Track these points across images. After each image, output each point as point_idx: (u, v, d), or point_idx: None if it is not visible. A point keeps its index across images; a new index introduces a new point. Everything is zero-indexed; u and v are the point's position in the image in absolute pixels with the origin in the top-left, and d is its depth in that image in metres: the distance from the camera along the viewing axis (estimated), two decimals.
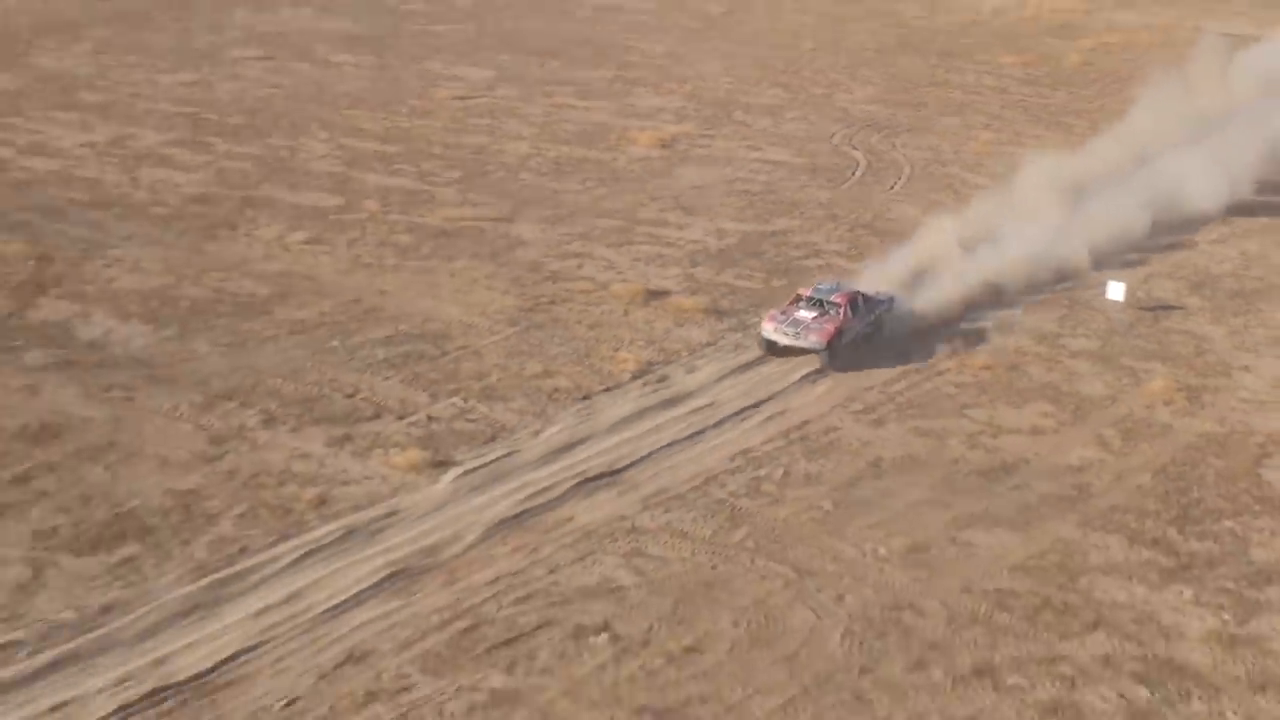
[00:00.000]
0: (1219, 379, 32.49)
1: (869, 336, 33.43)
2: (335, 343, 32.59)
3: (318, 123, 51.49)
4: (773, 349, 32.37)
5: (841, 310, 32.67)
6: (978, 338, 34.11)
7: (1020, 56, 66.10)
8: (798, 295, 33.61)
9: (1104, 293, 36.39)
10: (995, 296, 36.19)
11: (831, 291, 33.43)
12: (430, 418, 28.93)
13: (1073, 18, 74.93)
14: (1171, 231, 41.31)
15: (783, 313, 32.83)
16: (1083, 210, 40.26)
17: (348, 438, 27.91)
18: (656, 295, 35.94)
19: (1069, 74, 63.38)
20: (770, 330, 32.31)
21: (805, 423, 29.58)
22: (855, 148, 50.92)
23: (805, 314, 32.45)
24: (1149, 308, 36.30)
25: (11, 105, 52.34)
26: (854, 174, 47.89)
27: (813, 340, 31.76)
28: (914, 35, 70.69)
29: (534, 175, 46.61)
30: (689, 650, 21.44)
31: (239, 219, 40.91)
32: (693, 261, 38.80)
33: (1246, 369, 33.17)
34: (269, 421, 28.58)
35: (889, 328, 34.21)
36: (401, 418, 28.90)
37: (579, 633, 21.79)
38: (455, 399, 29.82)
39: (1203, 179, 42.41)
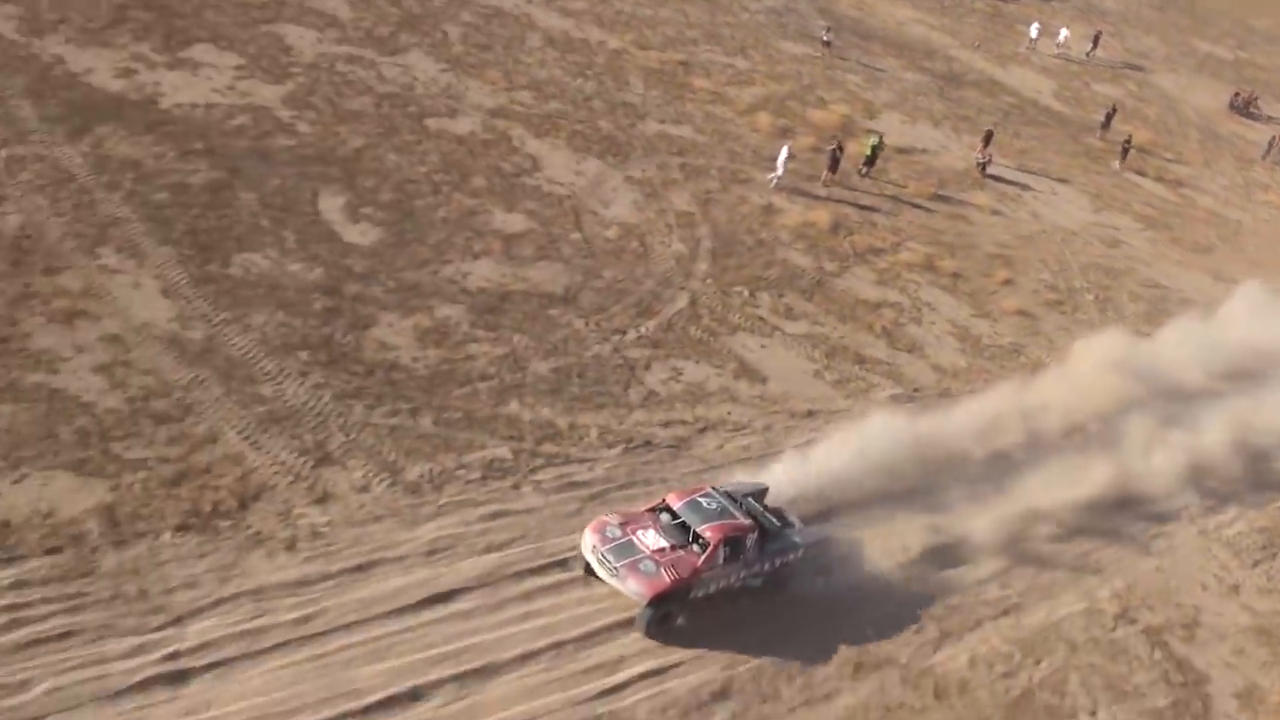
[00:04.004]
0: None
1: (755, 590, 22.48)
2: None
3: None
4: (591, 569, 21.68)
5: (708, 551, 21.31)
6: None
7: None
8: (662, 502, 22.56)
9: None
10: None
11: (714, 515, 21.80)
12: None
13: None
14: None
15: (623, 525, 21.75)
16: None
17: None
18: None
19: None
20: (588, 547, 21.48)
21: None
22: None
23: (651, 539, 21.40)
24: None
25: None
26: None
27: (631, 587, 20.74)
28: None
29: None
30: None
31: None
32: None
33: None
34: None
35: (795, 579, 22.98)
36: None
37: None
38: None
39: None
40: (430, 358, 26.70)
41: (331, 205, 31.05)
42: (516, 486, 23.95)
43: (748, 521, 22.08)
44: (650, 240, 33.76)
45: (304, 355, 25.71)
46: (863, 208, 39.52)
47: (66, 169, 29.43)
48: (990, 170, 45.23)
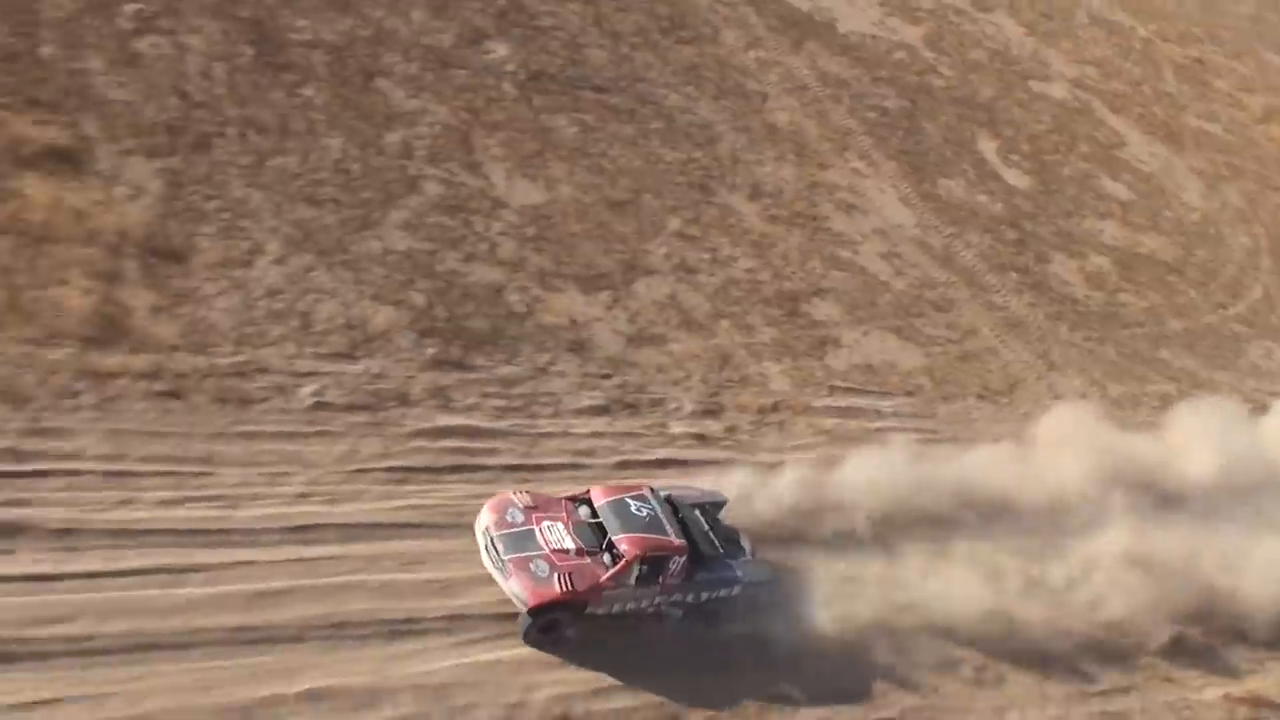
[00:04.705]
0: None
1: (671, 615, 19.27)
2: None
3: None
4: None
5: (618, 566, 18.23)
6: None
7: None
8: (586, 493, 19.47)
9: None
10: None
11: (640, 524, 18.63)
12: None
13: None
14: None
15: (529, 509, 18.80)
16: None
17: None
18: None
19: None
20: (480, 527, 18.66)
21: None
22: None
23: (556, 535, 18.46)
24: None
25: None
26: None
27: (513, 588, 17.89)
28: None
29: None
30: None
31: None
32: None
33: None
34: None
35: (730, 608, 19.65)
36: None
37: None
38: None
39: None
40: (1096, 298, 32.98)
41: (987, 147, 37.29)
42: None
43: (678, 541, 18.65)
44: (1222, 230, 39.28)
45: (1014, 276, 32.25)
46: None
47: (798, 78, 36.17)
48: None
